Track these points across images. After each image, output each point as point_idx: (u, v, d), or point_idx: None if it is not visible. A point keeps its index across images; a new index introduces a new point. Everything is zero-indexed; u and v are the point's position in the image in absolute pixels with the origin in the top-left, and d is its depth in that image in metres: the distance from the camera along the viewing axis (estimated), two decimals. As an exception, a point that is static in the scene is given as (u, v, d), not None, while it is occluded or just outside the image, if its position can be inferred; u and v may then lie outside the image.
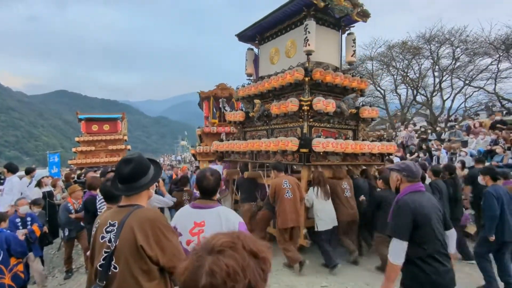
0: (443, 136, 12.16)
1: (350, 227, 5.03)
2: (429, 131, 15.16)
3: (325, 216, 4.74)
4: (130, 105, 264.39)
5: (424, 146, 10.49)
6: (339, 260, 4.66)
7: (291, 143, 5.01)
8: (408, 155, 10.65)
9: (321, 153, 5.00)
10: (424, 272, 2.20)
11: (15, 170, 6.33)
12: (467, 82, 16.74)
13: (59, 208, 5.42)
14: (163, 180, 7.21)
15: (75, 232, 5.29)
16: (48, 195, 7.06)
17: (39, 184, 7.23)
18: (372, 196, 5.12)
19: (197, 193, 6.56)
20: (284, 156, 5.44)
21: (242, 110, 7.29)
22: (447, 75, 17.23)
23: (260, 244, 0.77)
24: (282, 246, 4.63)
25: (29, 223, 5.08)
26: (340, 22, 6.24)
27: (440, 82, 17.52)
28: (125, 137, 17.75)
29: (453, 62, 16.54)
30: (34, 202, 5.66)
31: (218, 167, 7.00)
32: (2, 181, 7.95)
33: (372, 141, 6.05)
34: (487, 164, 6.76)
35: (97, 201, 4.08)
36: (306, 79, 5.35)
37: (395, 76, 19.57)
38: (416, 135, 12.31)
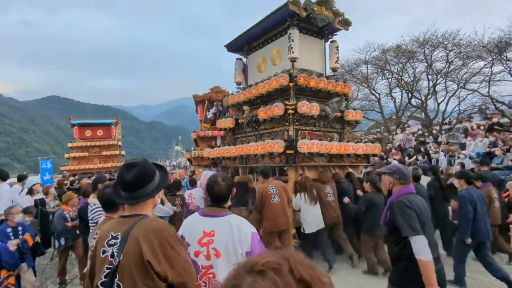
0: (440, 139, 12.18)
1: (333, 229, 5.26)
2: (426, 133, 15.20)
3: (312, 219, 4.95)
4: (123, 110, 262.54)
5: (422, 149, 10.47)
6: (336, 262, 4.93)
7: (277, 145, 5.30)
8: (406, 158, 10.62)
9: (307, 154, 5.31)
10: (415, 269, 2.17)
11: (5, 177, 6.08)
12: (461, 85, 16.88)
13: (54, 216, 5.18)
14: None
15: (71, 241, 5.07)
16: (40, 203, 6.80)
17: (30, 191, 6.97)
18: (361, 198, 5.21)
19: (189, 200, 6.48)
20: (271, 159, 5.71)
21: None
22: (441, 78, 17.37)
23: (316, 272, 0.61)
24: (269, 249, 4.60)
25: (20, 232, 4.86)
26: (323, 31, 6.56)
27: (434, 85, 17.65)
28: (119, 143, 17.49)
29: (447, 65, 16.68)
30: (25, 211, 5.42)
31: (213, 172, 6.97)
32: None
33: (357, 142, 6.29)
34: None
35: (88, 210, 3.84)
36: (291, 84, 5.65)
37: (389, 80, 19.66)
38: (414, 138, 12.30)
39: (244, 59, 7.64)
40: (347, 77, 21.61)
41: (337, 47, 6.56)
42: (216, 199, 1.94)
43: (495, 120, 11.06)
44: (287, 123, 5.83)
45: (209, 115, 11.16)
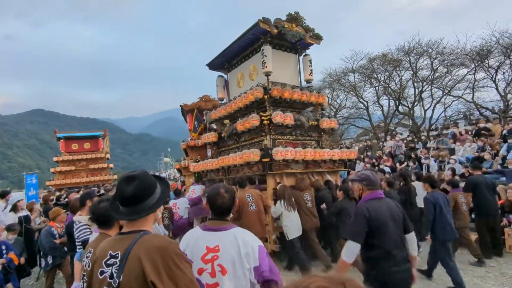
0: (428, 145, 12.35)
1: (312, 233, 5.44)
2: (415, 140, 15.42)
3: (292, 225, 5.17)
4: (110, 123, 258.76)
5: (413, 155, 10.57)
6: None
7: (253, 154, 5.62)
8: (397, 164, 10.70)
9: (281, 161, 5.64)
10: (375, 270, 2.40)
11: (-12, 194, 5.81)
12: (446, 92, 17.30)
13: (41, 233, 4.92)
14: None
15: (59, 259, 4.81)
16: (25, 220, 6.49)
17: (14, 208, 6.66)
18: (333, 205, 5.46)
19: (173, 210, 6.38)
20: (250, 168, 6.04)
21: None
22: (426, 86, 17.77)
23: None
24: None
25: (4, 251, 4.61)
26: (296, 46, 7.00)
27: (420, 93, 18.02)
28: (107, 155, 17.12)
29: (432, 73, 17.10)
30: (8, 228, 5.16)
31: (201, 186, 7.32)
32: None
33: (332, 148, 6.58)
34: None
35: (74, 226, 3.62)
36: (266, 97, 6.04)
37: (377, 88, 19.98)
38: (404, 144, 12.44)
39: (226, 76, 8.06)
40: (335, 86, 21.94)
41: (310, 60, 6.93)
42: (219, 212, 1.84)
43: (481, 125, 11.30)
44: (264, 133, 6.15)
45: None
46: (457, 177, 8.20)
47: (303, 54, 7.09)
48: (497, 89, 15.80)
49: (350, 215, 4.77)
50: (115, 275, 1.29)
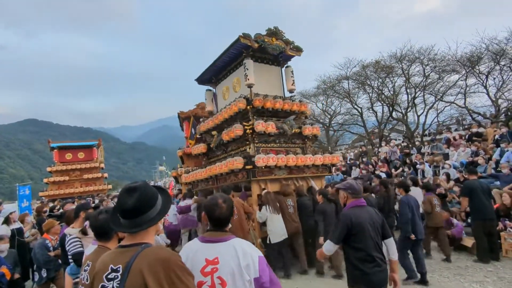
0: (423, 150, 12.45)
1: (294, 238, 5.70)
2: (410, 145, 15.55)
3: (276, 230, 5.41)
4: (104, 132, 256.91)
5: (408, 161, 10.64)
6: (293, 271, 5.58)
7: (236, 162, 5.87)
8: (393, 170, 10.75)
9: (264, 167, 5.88)
10: (359, 270, 2.68)
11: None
12: (438, 97, 17.53)
13: (35, 246, 4.81)
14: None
15: (54, 272, 4.70)
16: (18, 233, 6.35)
17: (7, 220, 6.52)
18: (316, 210, 5.74)
19: (168, 217, 6.42)
20: (236, 176, 6.33)
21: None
22: (419, 92, 17.99)
23: None
24: None
25: (-4, 266, 4.49)
26: (278, 58, 7.39)
27: (413, 99, 18.23)
28: (102, 165, 16.95)
29: (424, 79, 17.34)
30: (-1, 238, 5.04)
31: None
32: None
33: (314, 154, 6.81)
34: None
35: (66, 239, 3.54)
36: (249, 107, 6.36)
37: (370, 94, 20.20)
38: (398, 150, 12.52)
39: (214, 90, 8.45)
40: (330, 93, 22.14)
41: (292, 72, 7.29)
42: (218, 222, 1.81)
43: (474, 130, 11.45)
44: (247, 142, 6.45)
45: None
46: (452, 182, 8.29)
47: (285, 66, 7.47)
48: (488, 94, 16.06)
49: (329, 216, 5.32)
50: (116, 289, 1.27)
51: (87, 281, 1.70)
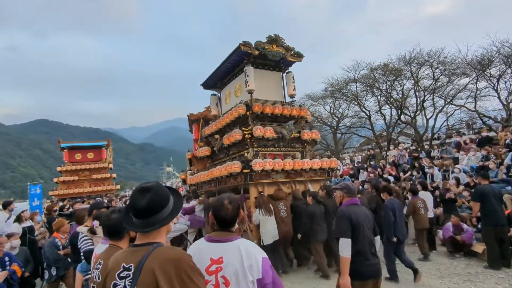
0: (432, 154, 12.30)
1: (285, 240, 5.92)
2: (419, 149, 15.36)
3: (267, 231, 5.59)
4: (113, 133, 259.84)
5: (416, 164, 10.52)
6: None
7: (234, 166, 6.09)
8: (401, 173, 10.64)
9: (261, 171, 6.03)
10: (353, 263, 2.82)
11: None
12: (448, 101, 17.29)
13: (45, 245, 4.90)
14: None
15: (63, 271, 4.78)
16: (29, 231, 6.48)
17: (18, 219, 6.66)
18: (303, 212, 5.93)
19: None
20: (235, 179, 6.49)
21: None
22: (428, 95, 17.74)
23: None
24: None
25: (7, 263, 4.58)
26: (279, 65, 7.58)
27: (422, 102, 17.99)
28: (111, 165, 17.16)
29: (434, 82, 17.09)
30: (10, 235, 5.15)
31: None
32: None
33: (312, 158, 6.92)
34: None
35: (79, 236, 3.61)
36: (248, 112, 6.56)
37: (379, 97, 20.00)
38: (407, 153, 12.40)
39: (219, 94, 8.73)
40: (337, 95, 22.03)
41: (293, 77, 7.45)
42: (223, 223, 1.82)
43: (484, 134, 11.27)
44: (247, 146, 6.63)
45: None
46: (461, 187, 8.17)
47: (286, 71, 7.63)
48: (499, 98, 15.79)
49: (318, 217, 5.58)
50: (128, 287, 1.29)
51: (98, 279, 1.73)
